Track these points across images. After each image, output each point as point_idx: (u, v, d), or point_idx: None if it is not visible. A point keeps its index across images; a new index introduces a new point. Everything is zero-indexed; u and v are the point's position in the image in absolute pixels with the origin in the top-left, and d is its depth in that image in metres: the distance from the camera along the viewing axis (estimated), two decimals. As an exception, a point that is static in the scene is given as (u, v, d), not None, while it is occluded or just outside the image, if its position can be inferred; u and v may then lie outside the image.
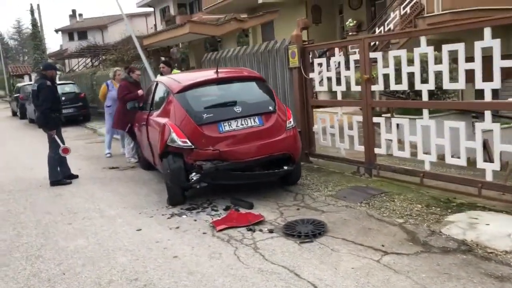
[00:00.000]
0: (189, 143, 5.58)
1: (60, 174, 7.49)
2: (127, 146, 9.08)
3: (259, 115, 5.83)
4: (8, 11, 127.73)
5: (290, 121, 6.04)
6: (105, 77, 16.97)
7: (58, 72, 31.18)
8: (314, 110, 7.41)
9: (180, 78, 6.40)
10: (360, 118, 6.56)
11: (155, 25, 42.27)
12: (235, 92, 6.15)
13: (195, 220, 5.26)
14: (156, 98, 6.81)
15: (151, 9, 43.63)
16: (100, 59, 21.07)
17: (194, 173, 5.69)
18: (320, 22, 19.49)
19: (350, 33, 15.09)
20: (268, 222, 5.03)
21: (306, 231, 4.60)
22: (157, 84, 6.91)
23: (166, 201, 6.03)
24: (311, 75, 7.25)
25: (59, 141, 7.34)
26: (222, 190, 6.11)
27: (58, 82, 19.22)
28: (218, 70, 6.21)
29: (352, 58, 6.41)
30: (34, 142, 13.32)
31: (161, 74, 9.25)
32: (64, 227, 5.35)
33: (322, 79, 7.03)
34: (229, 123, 5.68)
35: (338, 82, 6.59)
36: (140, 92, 8.51)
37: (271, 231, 4.75)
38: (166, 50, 14.55)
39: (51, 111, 7.15)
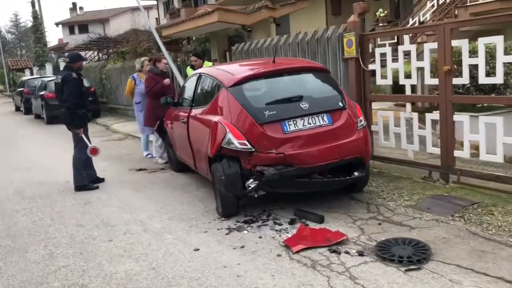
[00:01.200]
0: (249, 145, 4.75)
1: (86, 177, 6.65)
2: (154, 144, 8.24)
3: (328, 113, 5.00)
4: (5, 4, 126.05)
5: (361, 119, 5.21)
6: (117, 70, 16.14)
7: (63, 64, 30.25)
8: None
9: (232, 69, 5.56)
10: (434, 115, 5.76)
11: (157, 18, 41.29)
12: (298, 85, 5.31)
13: (260, 237, 4.44)
14: (200, 92, 5.96)
15: (154, 2, 42.63)
16: (109, 51, 20.14)
17: (251, 180, 4.87)
18: (340, 14, 18.57)
19: (380, 24, 14.23)
20: (352, 241, 4.21)
21: (408, 255, 3.78)
22: (199, 77, 6.05)
23: (215, 211, 5.23)
24: (370, 66, 6.42)
25: (86, 140, 6.49)
26: (277, 199, 5.28)
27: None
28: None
29: (428, 46, 5.59)
30: (45, 139, 12.51)
31: (192, 67, 8.42)
32: (105, 245, 4.52)
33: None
34: (295, 122, 4.85)
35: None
36: (166, 81, 7.69)
37: (361, 254, 3.93)
38: (187, 41, 13.65)
39: (77, 107, 6.30)
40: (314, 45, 7.22)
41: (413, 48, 5.78)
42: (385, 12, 14.63)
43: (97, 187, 6.64)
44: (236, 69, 5.49)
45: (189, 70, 8.52)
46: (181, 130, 6.36)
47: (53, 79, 6.58)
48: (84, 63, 6.74)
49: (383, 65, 6.25)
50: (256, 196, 4.96)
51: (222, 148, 4.89)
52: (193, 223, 4.97)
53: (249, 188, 4.87)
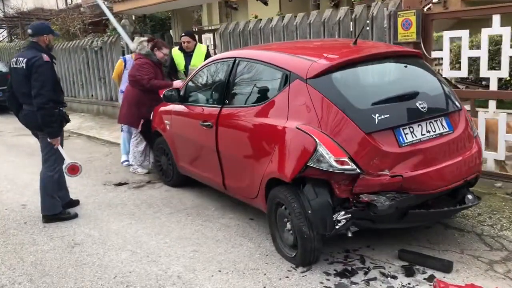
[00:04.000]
0: (352, 165, 3.23)
1: (60, 202, 4.70)
2: (133, 149, 6.34)
3: (446, 116, 3.64)
4: None
5: (473, 124, 3.93)
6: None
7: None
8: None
9: (302, 53, 3.94)
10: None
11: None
12: (402, 77, 3.86)
13: (389, 305, 2.99)
14: (241, 85, 4.28)
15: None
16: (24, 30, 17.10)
17: (342, 213, 3.38)
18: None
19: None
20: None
21: None
22: (236, 63, 4.33)
23: (277, 252, 3.72)
24: (434, 54, 5.16)
25: (64, 153, 4.52)
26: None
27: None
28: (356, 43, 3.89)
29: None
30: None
31: (182, 51, 6.61)
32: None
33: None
34: (411, 130, 3.42)
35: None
36: (177, 83, 5.79)
37: None
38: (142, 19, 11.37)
39: (53, 104, 4.30)
40: (348, 26, 5.81)
41: (506, 32, 4.57)
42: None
43: (76, 216, 4.72)
44: (310, 53, 3.89)
45: (176, 55, 6.67)
46: (198, 136, 4.65)
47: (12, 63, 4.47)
48: (53, 37, 4.65)
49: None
50: (350, 235, 3.48)
51: (307, 168, 3.33)
52: (263, 279, 3.37)
53: (339, 224, 3.38)
